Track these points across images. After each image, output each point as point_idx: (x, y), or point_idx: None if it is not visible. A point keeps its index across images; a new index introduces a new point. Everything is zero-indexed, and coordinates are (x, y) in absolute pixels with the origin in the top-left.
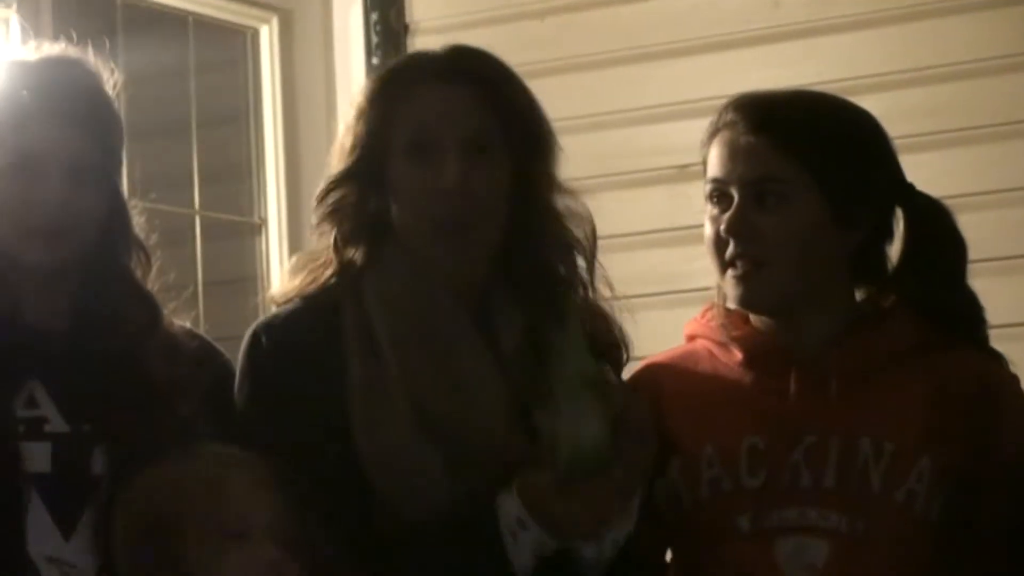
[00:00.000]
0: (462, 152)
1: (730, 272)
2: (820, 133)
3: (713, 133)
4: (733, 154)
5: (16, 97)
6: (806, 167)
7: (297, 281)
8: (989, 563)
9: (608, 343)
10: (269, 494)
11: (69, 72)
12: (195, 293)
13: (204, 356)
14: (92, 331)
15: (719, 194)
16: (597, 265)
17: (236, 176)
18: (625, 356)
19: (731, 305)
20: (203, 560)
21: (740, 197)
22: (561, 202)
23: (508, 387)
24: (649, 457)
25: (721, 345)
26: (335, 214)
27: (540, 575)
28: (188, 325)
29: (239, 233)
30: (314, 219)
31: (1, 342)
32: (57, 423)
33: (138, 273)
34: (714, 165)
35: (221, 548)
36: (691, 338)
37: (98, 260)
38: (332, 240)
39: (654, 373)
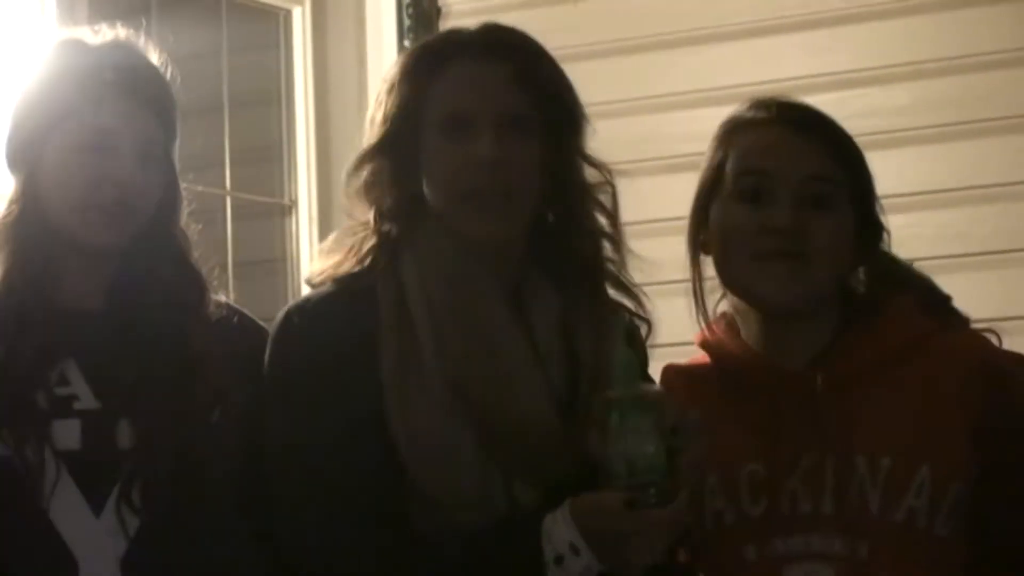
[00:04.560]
0: (497, 127)
1: (768, 266)
2: (852, 145)
3: (739, 127)
4: (780, 148)
5: (89, 76)
6: (847, 172)
7: (332, 260)
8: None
9: (633, 317)
10: None
11: (134, 54)
12: (225, 273)
13: (245, 331)
14: (135, 308)
15: (753, 188)
16: (624, 240)
17: (267, 157)
18: (647, 330)
19: (751, 303)
20: None
21: (794, 192)
22: (591, 176)
23: (543, 372)
24: (702, 468)
25: (718, 363)
26: (370, 188)
27: None
28: (225, 299)
29: (270, 214)
30: (346, 193)
31: (37, 320)
32: (87, 400)
33: (180, 250)
34: (750, 158)
35: None
36: (701, 347)
37: (151, 238)
38: (371, 215)
39: (672, 378)
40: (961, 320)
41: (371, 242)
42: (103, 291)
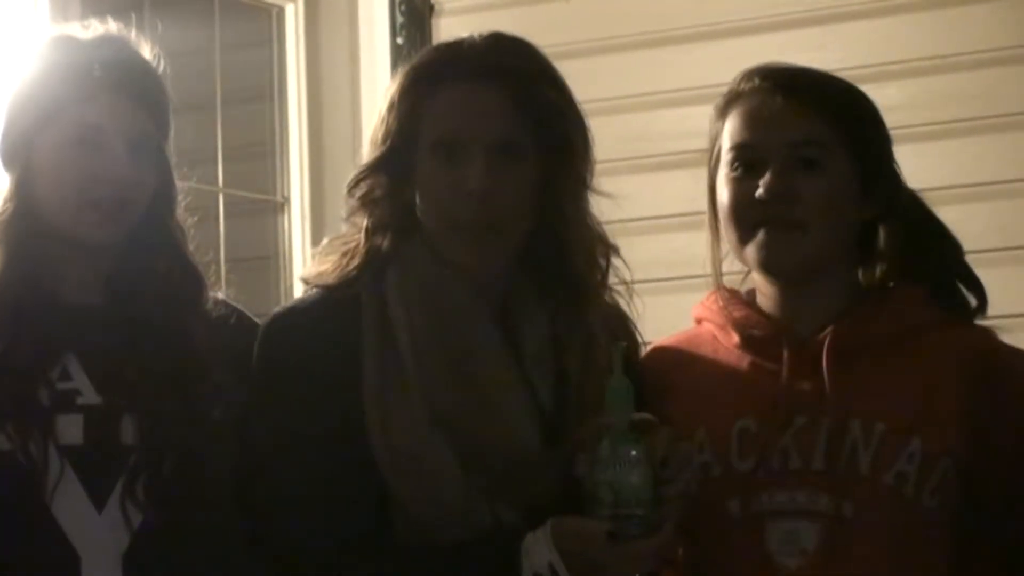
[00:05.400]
0: (488, 154)
1: (760, 235)
2: (850, 102)
3: (731, 101)
4: (765, 118)
5: (78, 72)
6: (841, 130)
7: (327, 265)
8: (990, 554)
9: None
10: None
11: (124, 49)
12: (218, 270)
13: (241, 329)
14: (134, 303)
15: (745, 160)
16: (612, 261)
17: (260, 154)
18: (640, 349)
19: (757, 272)
20: None
21: (780, 159)
22: (589, 203)
23: (528, 391)
24: (688, 501)
25: (722, 328)
26: (365, 204)
27: None
28: (222, 296)
29: (262, 211)
30: (345, 210)
31: (36, 315)
32: (89, 395)
33: (177, 246)
34: (739, 131)
35: None
36: (698, 321)
37: (146, 233)
38: (363, 229)
39: (659, 356)
40: (968, 312)
41: (360, 253)
42: (102, 285)
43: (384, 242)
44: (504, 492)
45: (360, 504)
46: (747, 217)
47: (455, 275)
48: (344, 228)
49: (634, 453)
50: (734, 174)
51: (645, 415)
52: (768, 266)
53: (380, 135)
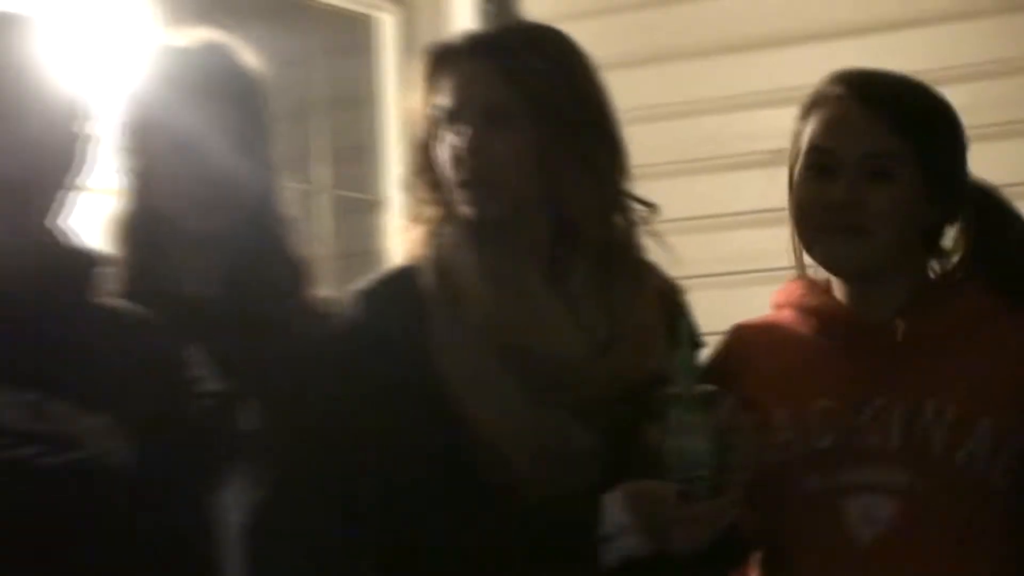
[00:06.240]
0: (479, 120)
1: (826, 238)
2: (925, 113)
3: (814, 104)
4: (842, 126)
5: (186, 78)
6: (913, 143)
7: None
8: None
9: (671, 297)
10: None
11: (228, 57)
12: (323, 264)
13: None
14: (246, 294)
15: (819, 163)
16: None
17: (359, 157)
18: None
19: (823, 268)
20: None
21: (852, 168)
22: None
23: (578, 322)
24: (751, 468)
25: (801, 314)
26: (416, 179)
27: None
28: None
29: (364, 209)
30: (407, 186)
31: (163, 308)
32: (212, 382)
33: (286, 242)
34: (817, 135)
35: None
36: (778, 307)
37: (253, 230)
38: (424, 201)
39: (741, 334)
40: None
41: (422, 224)
42: (219, 278)
43: (436, 210)
44: (565, 405)
45: (445, 454)
46: (815, 219)
47: (497, 232)
48: None
49: (700, 421)
50: (808, 175)
51: (710, 386)
52: (831, 268)
53: (415, 115)
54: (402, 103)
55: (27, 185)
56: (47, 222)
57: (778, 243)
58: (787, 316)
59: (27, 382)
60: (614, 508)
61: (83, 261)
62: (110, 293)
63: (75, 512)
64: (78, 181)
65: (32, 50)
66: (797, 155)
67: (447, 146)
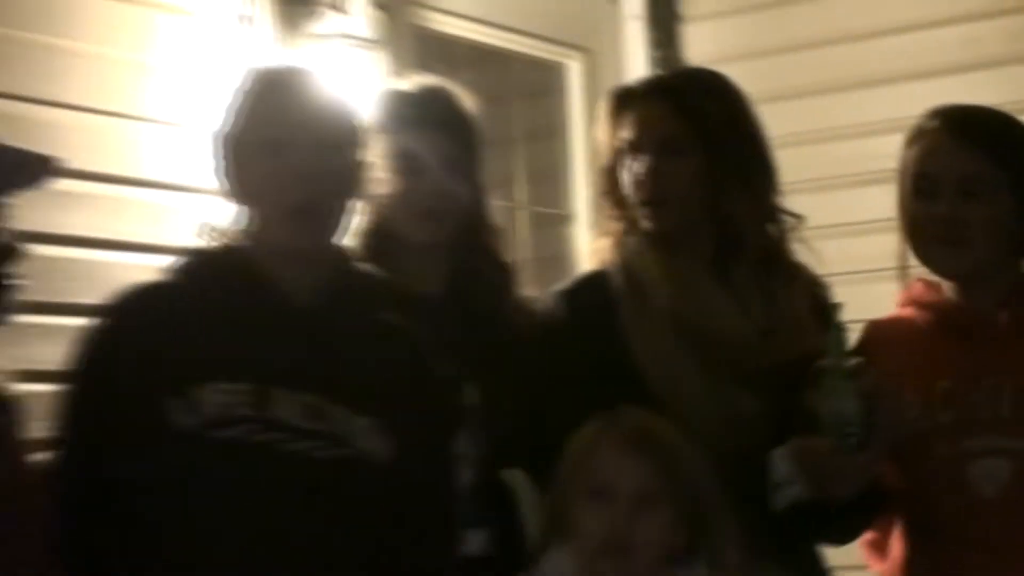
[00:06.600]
0: (656, 150)
1: (931, 249)
2: (1010, 139)
3: (917, 135)
4: (938, 156)
5: (406, 114)
6: (1002, 168)
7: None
8: None
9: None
10: (638, 459)
11: (443, 95)
12: (523, 270)
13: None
14: (464, 292)
15: (922, 187)
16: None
17: (553, 179)
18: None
19: (931, 275)
20: (572, 514)
21: (949, 191)
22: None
23: (742, 312)
24: (895, 428)
25: (921, 310)
26: (603, 198)
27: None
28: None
29: (555, 223)
30: (595, 204)
31: (400, 305)
32: (442, 368)
33: (498, 249)
34: (919, 162)
35: (584, 504)
36: (902, 305)
37: (469, 239)
38: (609, 215)
39: (874, 329)
40: None
41: (609, 236)
42: (443, 280)
43: (622, 225)
44: (728, 372)
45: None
46: (923, 234)
47: (671, 240)
48: None
49: (850, 388)
50: (914, 196)
51: (857, 359)
52: (939, 273)
53: (603, 147)
54: (589, 135)
55: (323, 208)
56: (336, 241)
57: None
58: (910, 312)
59: (311, 386)
60: (782, 461)
61: (368, 281)
62: (386, 309)
63: (340, 497)
64: (355, 203)
65: (321, 93)
66: (903, 179)
67: (630, 171)
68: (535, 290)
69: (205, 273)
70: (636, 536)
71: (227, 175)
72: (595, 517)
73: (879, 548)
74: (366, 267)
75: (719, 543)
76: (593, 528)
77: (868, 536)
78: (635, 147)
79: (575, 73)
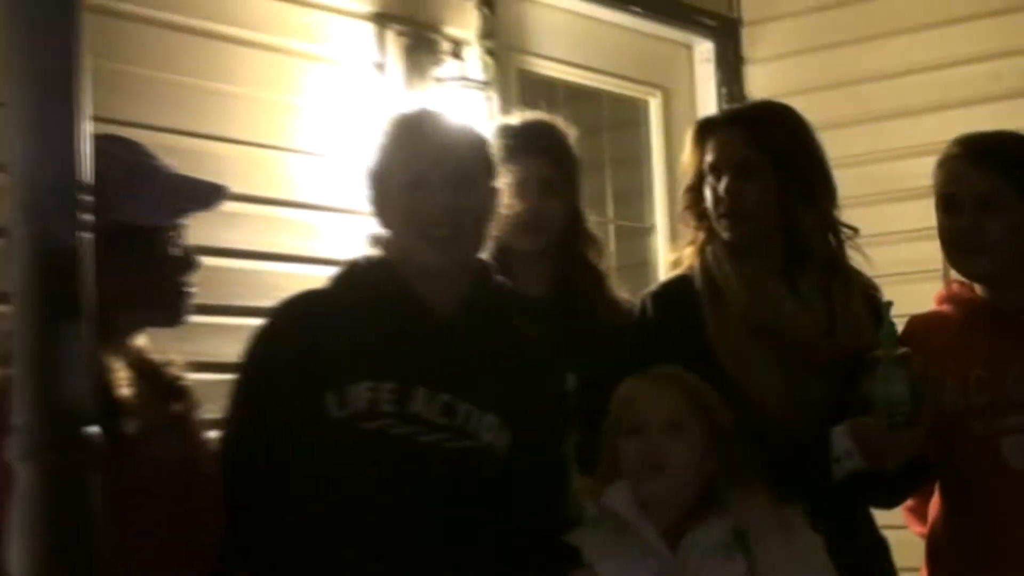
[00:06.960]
0: (734, 172)
1: (958, 256)
2: (1021, 159)
3: (941, 161)
4: (958, 178)
5: (514, 144)
6: (1016, 187)
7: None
8: None
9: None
10: (665, 392)
11: (545, 127)
12: (612, 273)
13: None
14: (563, 293)
15: (946, 205)
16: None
17: (638, 197)
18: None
19: (961, 278)
20: (617, 452)
21: (968, 207)
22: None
23: (808, 311)
24: (938, 408)
25: (956, 307)
26: (687, 212)
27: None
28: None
29: (639, 235)
30: (679, 218)
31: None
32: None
33: (592, 256)
34: (943, 184)
35: (625, 441)
36: (939, 302)
37: (568, 248)
38: (692, 228)
39: (916, 322)
40: None
41: (692, 245)
42: (546, 282)
43: (700, 234)
44: (796, 363)
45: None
46: (949, 244)
47: (746, 250)
48: None
49: (900, 373)
50: (942, 213)
51: (905, 349)
52: (967, 277)
53: (690, 169)
54: (667, 160)
55: (463, 235)
56: (478, 259)
57: (939, 252)
58: (946, 309)
59: (444, 386)
60: (841, 438)
61: (500, 292)
62: (515, 316)
63: (462, 481)
64: (490, 224)
65: (453, 131)
66: (935, 198)
67: (711, 190)
68: (623, 292)
69: (359, 284)
70: (669, 456)
71: (376, 207)
72: (633, 445)
73: (919, 513)
74: (500, 279)
75: (746, 474)
76: (632, 454)
77: (909, 503)
78: (716, 169)
79: (655, 108)
